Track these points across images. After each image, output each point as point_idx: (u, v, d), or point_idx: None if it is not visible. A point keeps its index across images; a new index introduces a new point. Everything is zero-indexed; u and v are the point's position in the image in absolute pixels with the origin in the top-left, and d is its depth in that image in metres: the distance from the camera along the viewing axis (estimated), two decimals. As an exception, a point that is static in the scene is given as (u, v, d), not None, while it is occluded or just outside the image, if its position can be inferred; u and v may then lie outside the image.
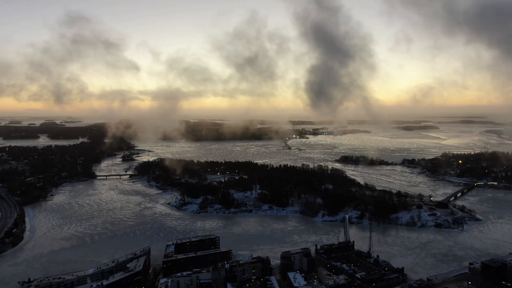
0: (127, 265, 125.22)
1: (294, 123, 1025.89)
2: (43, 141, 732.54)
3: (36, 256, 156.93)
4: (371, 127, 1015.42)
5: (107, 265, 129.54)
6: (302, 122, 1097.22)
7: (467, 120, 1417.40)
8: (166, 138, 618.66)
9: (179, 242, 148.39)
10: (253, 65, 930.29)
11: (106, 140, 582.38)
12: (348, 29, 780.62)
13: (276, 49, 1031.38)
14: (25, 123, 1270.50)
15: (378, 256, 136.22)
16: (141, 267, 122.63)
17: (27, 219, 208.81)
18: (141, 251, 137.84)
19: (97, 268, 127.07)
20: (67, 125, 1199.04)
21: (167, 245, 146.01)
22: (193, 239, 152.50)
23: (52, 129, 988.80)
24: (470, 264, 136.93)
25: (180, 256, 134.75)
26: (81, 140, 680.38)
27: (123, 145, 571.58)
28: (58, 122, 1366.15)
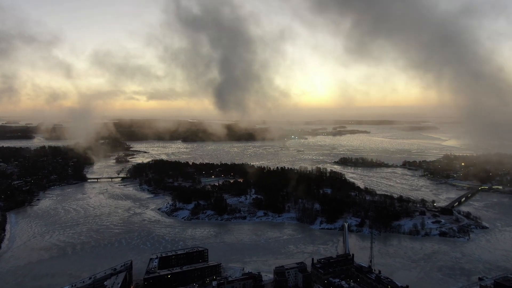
0: (104, 283, 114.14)
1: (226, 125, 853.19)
2: (38, 141, 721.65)
3: (11, 269, 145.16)
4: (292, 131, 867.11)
5: (83, 282, 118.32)
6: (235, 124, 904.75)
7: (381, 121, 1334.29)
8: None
9: (163, 255, 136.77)
10: (180, 59, 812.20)
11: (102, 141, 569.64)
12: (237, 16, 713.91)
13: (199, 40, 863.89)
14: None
15: (380, 271, 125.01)
16: (119, 285, 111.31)
17: (8, 226, 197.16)
18: (121, 266, 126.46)
19: (72, 286, 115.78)
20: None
21: (151, 258, 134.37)
22: (179, 252, 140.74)
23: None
24: (480, 279, 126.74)
25: (163, 272, 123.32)
26: (76, 140, 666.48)
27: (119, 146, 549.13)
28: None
